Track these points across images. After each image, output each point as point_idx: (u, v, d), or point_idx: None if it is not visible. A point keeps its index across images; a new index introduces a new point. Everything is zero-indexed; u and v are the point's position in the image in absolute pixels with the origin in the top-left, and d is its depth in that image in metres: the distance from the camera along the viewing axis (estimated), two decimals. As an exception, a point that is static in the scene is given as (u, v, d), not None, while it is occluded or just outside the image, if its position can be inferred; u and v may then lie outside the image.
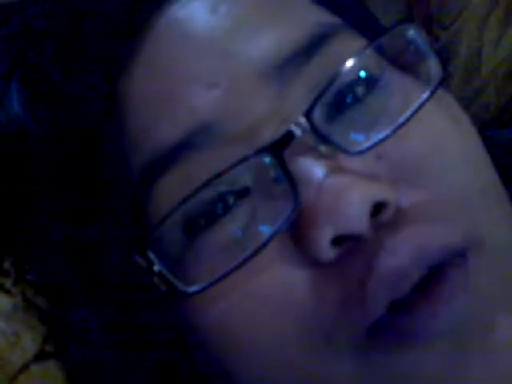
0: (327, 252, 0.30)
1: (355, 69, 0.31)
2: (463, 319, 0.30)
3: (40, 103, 0.35)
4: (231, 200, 0.31)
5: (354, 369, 0.31)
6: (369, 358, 0.31)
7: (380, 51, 0.33)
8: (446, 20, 0.54)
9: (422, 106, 0.31)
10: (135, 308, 0.35)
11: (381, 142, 0.31)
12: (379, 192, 0.30)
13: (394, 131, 0.31)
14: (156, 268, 0.31)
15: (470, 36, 0.54)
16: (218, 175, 0.31)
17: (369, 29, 0.34)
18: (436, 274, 0.30)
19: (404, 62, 0.33)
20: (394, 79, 0.33)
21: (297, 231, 0.31)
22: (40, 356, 0.38)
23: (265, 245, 0.31)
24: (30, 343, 0.38)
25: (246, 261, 0.31)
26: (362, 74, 0.32)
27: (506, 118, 0.56)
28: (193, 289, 0.31)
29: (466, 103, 0.37)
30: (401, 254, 0.30)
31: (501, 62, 0.56)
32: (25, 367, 0.37)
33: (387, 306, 0.30)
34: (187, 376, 0.36)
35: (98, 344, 0.37)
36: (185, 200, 0.31)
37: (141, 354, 0.36)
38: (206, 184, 0.31)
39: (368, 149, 0.31)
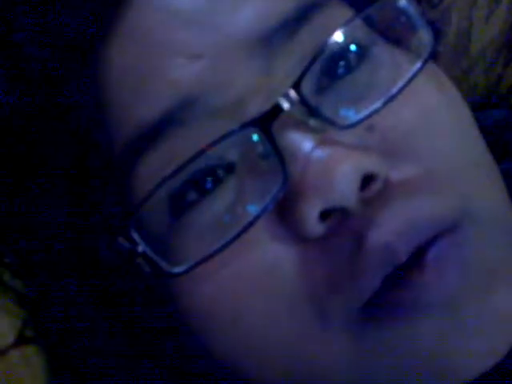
0: (315, 227, 0.30)
1: (344, 40, 0.31)
2: (455, 291, 0.30)
3: (17, 78, 0.33)
4: (217, 176, 0.31)
5: (346, 345, 0.31)
6: (361, 335, 0.30)
7: (370, 23, 0.32)
8: (436, -3, 0.53)
9: (413, 78, 0.31)
10: (122, 290, 0.34)
11: (371, 114, 0.30)
12: (369, 164, 0.29)
13: (385, 104, 0.30)
14: (140, 249, 0.31)
15: (459, 15, 0.54)
16: (202, 151, 0.30)
17: (359, 0, 0.33)
18: (426, 246, 0.30)
19: (395, 34, 0.33)
20: (385, 51, 0.32)
21: (284, 207, 0.30)
22: (19, 341, 0.37)
23: (252, 223, 0.30)
24: (7, 328, 0.37)
25: (232, 240, 0.30)
26: (352, 45, 0.31)
27: (494, 99, 0.56)
28: (178, 269, 0.30)
29: (454, 83, 0.36)
30: (389, 230, 0.29)
31: (490, 41, 0.55)
32: (3, 353, 0.36)
33: (379, 282, 0.29)
34: (176, 362, 0.35)
35: (82, 328, 0.36)
36: (167, 178, 0.30)
37: (127, 339, 0.36)
38: (190, 161, 0.30)
39: (358, 122, 0.30)
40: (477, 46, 0.55)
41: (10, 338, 0.37)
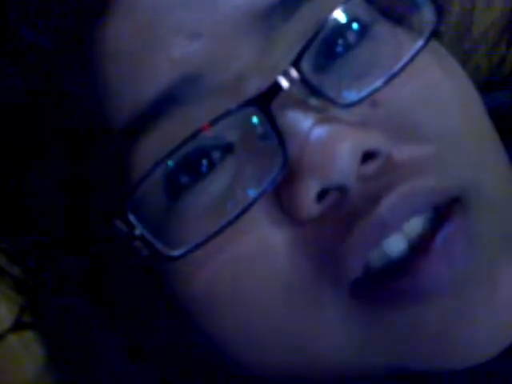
0: (311, 210, 0.29)
1: (345, 17, 0.30)
2: (463, 274, 0.29)
3: (13, 59, 0.33)
4: (214, 156, 0.30)
5: (343, 327, 0.30)
6: (362, 318, 0.30)
7: (371, 0, 0.32)
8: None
9: (415, 55, 0.30)
10: (119, 275, 0.34)
11: (373, 93, 0.30)
12: (369, 140, 0.29)
13: (387, 82, 0.30)
14: (137, 232, 0.30)
15: (462, -5, 0.53)
16: (199, 131, 0.29)
17: None
18: (432, 228, 0.29)
19: (397, 12, 0.32)
20: (386, 29, 0.32)
21: (282, 188, 0.30)
22: (17, 327, 0.36)
23: (250, 206, 0.29)
24: (5, 313, 0.36)
25: (230, 223, 0.29)
26: (352, 22, 0.31)
27: (497, 81, 0.55)
28: (177, 252, 0.30)
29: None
30: (384, 207, 0.29)
31: (492, 22, 0.55)
32: (1, 338, 0.36)
33: (366, 262, 0.29)
34: (171, 348, 0.35)
35: (80, 313, 0.35)
36: (164, 158, 0.30)
37: (124, 323, 0.35)
38: (187, 141, 0.29)
39: (360, 100, 0.30)
40: (479, 27, 0.54)
41: (8, 323, 0.36)
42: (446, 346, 0.30)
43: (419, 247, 0.29)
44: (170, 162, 0.30)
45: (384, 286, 0.30)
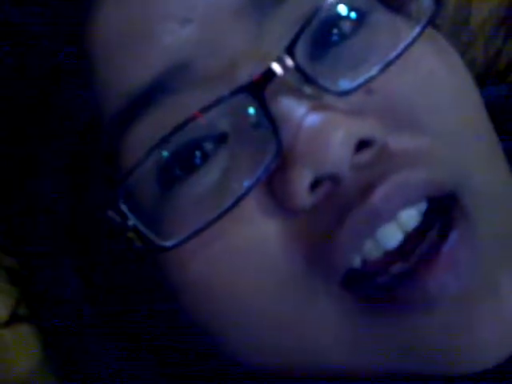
0: (304, 199, 0.29)
1: (340, 4, 0.30)
2: (468, 284, 0.29)
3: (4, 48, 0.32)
4: (208, 147, 0.30)
5: (334, 318, 0.30)
6: (362, 323, 0.30)
7: None
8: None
9: (412, 42, 0.30)
10: (112, 266, 0.34)
11: (369, 80, 0.29)
12: (364, 128, 0.29)
13: (382, 70, 0.29)
14: (130, 222, 0.30)
15: (459, -14, 0.53)
16: (192, 118, 0.29)
17: None
18: (428, 223, 0.29)
19: (395, 0, 0.32)
20: (383, 16, 0.32)
21: (275, 176, 0.29)
22: (13, 320, 0.36)
23: (244, 195, 0.29)
24: (0, 307, 0.36)
25: (223, 214, 0.29)
26: (348, 9, 0.30)
27: (492, 75, 0.55)
28: (170, 243, 0.30)
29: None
30: (378, 194, 0.29)
31: (489, 14, 0.54)
32: (-4, 331, 0.36)
33: (356, 252, 0.29)
34: (165, 339, 0.35)
35: (75, 306, 0.35)
36: (156, 146, 0.29)
37: (118, 315, 0.35)
38: (180, 128, 0.29)
39: (355, 88, 0.29)
40: (477, 18, 0.54)
41: (4, 316, 0.36)
42: (450, 354, 0.30)
43: (425, 257, 0.29)
44: (164, 153, 0.30)
45: (389, 295, 0.29)
